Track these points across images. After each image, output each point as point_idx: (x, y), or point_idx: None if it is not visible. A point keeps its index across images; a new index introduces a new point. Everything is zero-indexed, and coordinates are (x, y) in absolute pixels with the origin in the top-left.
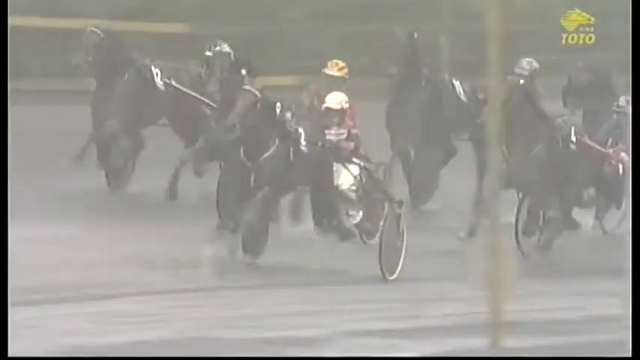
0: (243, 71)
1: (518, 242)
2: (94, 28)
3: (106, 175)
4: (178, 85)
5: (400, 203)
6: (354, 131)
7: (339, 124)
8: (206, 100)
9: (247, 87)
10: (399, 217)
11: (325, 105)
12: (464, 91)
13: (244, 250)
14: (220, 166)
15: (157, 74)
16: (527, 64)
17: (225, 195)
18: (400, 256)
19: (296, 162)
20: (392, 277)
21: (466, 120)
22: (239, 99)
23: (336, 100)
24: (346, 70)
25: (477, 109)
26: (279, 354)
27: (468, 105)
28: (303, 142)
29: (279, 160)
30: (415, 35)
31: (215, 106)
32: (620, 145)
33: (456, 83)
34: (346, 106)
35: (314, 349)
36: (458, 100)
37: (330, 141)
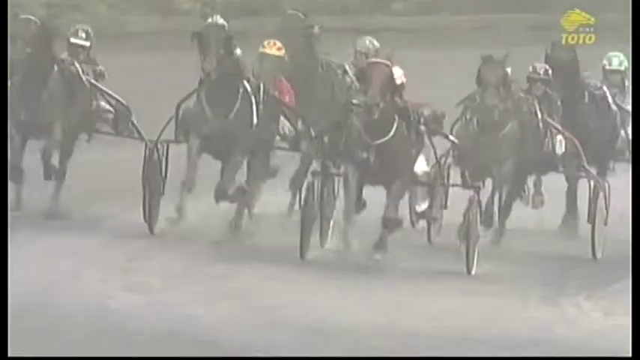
0: (238, 50)
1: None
2: (31, 17)
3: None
4: (95, 82)
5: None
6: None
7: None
8: (119, 98)
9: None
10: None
11: None
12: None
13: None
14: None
15: (81, 70)
16: (370, 42)
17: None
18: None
19: (415, 142)
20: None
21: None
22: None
23: (396, 74)
24: (284, 50)
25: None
26: None
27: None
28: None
29: (404, 142)
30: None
31: (124, 103)
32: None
33: (347, 68)
34: (405, 80)
35: None
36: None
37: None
